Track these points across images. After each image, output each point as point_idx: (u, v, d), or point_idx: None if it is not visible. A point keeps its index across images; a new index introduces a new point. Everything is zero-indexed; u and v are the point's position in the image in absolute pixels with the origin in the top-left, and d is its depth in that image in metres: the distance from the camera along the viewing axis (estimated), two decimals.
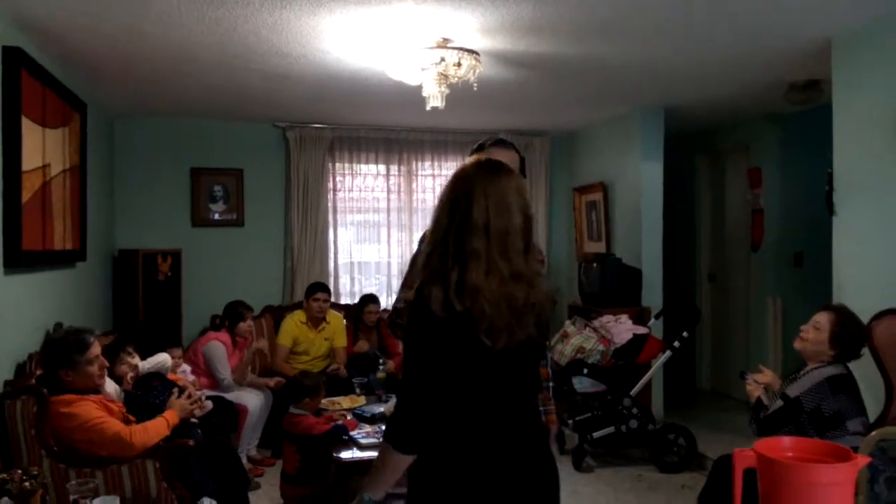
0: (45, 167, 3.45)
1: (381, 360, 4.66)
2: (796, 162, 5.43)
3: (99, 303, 4.82)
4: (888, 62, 3.25)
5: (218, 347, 4.52)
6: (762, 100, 4.96)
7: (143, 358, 3.65)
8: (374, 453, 3.14)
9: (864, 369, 2.91)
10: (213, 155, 5.72)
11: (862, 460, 1.30)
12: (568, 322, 4.87)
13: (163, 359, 3.76)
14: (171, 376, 3.72)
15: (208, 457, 3.29)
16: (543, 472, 1.59)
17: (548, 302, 1.56)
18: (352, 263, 6.16)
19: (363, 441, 3.34)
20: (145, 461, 2.73)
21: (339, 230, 6.04)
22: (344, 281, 6.12)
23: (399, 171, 6.13)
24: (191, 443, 3.00)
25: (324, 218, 5.90)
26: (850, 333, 2.74)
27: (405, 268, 2.89)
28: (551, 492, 1.61)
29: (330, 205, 5.97)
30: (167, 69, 4.06)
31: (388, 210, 6.14)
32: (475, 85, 3.64)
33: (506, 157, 2.15)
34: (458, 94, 3.82)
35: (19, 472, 2.21)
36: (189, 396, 3.29)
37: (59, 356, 2.81)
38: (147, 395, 3.34)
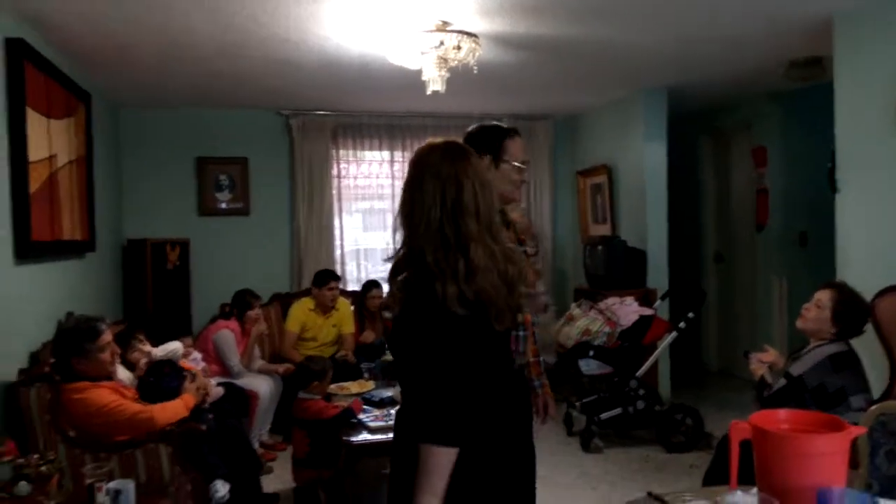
0: (51, 158, 3.49)
1: (387, 346, 4.71)
2: (800, 140, 5.41)
3: (109, 292, 4.88)
4: (890, 39, 3.24)
5: (227, 335, 4.58)
6: (764, 78, 4.93)
7: (154, 346, 3.70)
8: (382, 436, 3.19)
9: (867, 346, 2.93)
10: (219, 144, 5.75)
11: (855, 430, 1.33)
12: (574, 305, 4.90)
13: (174, 347, 3.80)
14: (182, 363, 3.77)
15: (220, 441, 3.34)
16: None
17: (527, 277, 1.59)
18: (358, 250, 6.19)
19: (372, 424, 3.38)
20: (159, 445, 2.79)
21: (345, 217, 6.07)
22: (350, 268, 6.16)
23: (403, 157, 6.13)
24: (203, 427, 3.05)
25: (329, 205, 5.93)
26: (852, 310, 2.75)
27: None
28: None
29: (335, 192, 5.99)
30: (168, 58, 4.08)
31: (393, 196, 6.16)
32: (475, 68, 3.64)
33: (521, 145, 2.28)
34: (460, 78, 3.82)
35: (36, 456, 2.27)
36: (193, 381, 3.33)
37: (70, 345, 2.86)
38: (160, 382, 3.39)
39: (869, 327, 2.87)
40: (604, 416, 4.49)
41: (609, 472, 4.13)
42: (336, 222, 6.01)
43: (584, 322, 4.55)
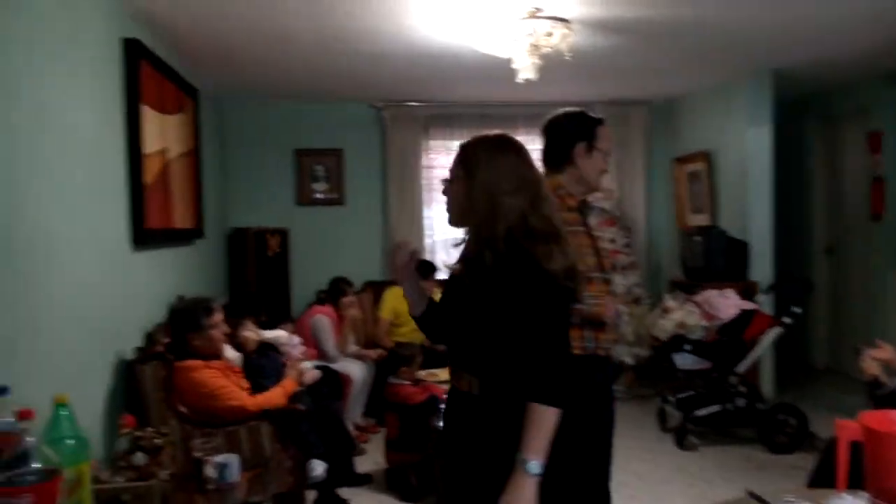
0: (163, 151, 3.71)
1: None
2: None
3: (215, 278, 5.15)
4: None
5: (324, 321, 4.74)
6: (884, 60, 4.58)
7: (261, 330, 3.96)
8: None
9: None
10: (315, 136, 5.93)
11: None
12: (668, 296, 4.75)
13: (280, 334, 4.11)
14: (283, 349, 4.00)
15: (317, 422, 3.48)
16: None
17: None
18: (448, 240, 6.24)
19: None
20: (260, 424, 2.93)
21: (435, 207, 6.13)
22: (441, 257, 6.22)
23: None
24: (301, 408, 3.18)
25: (420, 195, 6.01)
26: None
27: None
28: None
29: (425, 182, 6.06)
30: (269, 53, 4.25)
31: None
32: (568, 55, 3.58)
33: (609, 134, 2.34)
34: (552, 65, 3.77)
35: (151, 430, 2.43)
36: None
37: (187, 320, 3.07)
38: (265, 363, 3.58)
39: None
40: (700, 412, 4.34)
41: (706, 470, 4.00)
42: (427, 212, 6.08)
43: (680, 315, 4.40)
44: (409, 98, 5.81)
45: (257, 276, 5.34)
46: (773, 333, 4.41)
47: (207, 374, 2.97)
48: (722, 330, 4.29)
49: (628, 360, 5.06)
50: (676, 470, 4.00)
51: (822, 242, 6.18)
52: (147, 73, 3.41)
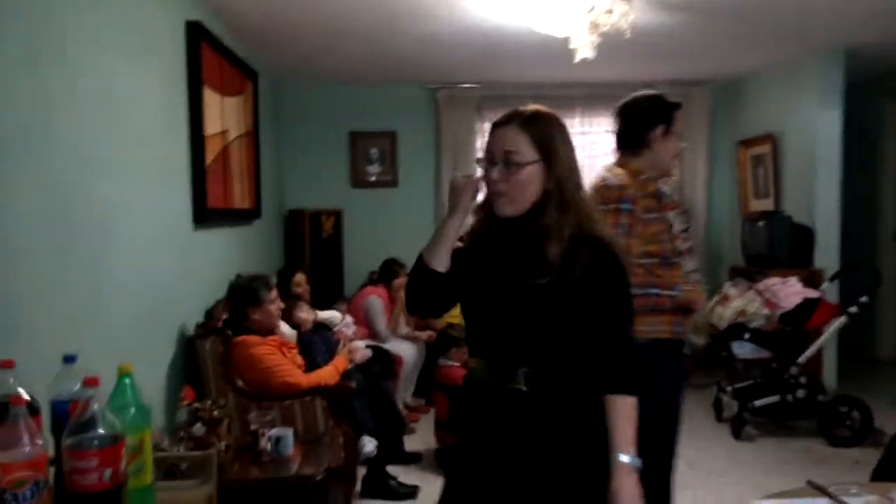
0: (224, 132, 3.79)
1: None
2: None
3: (272, 257, 5.27)
4: None
5: (376, 301, 4.80)
6: None
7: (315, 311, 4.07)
8: None
9: None
10: (369, 118, 5.97)
11: None
12: (728, 284, 4.62)
13: (333, 314, 4.25)
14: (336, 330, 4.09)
15: (369, 400, 3.54)
16: None
17: None
18: None
19: None
20: (314, 399, 2.99)
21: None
22: None
23: None
24: (353, 385, 3.24)
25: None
26: None
27: None
28: None
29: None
30: (327, 36, 4.28)
31: None
32: (628, 33, 3.48)
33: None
34: (610, 44, 3.67)
35: (209, 402, 2.51)
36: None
37: (248, 294, 3.17)
38: (316, 340, 3.66)
39: None
40: (758, 403, 4.22)
41: (762, 462, 3.89)
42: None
43: (741, 302, 4.28)
44: (463, 79, 5.78)
45: (312, 256, 5.43)
46: (838, 324, 4.24)
47: (264, 351, 3.05)
48: (783, 319, 4.15)
49: (700, 343, 4.99)
50: (732, 461, 3.91)
51: (890, 230, 5.90)
52: (208, 56, 3.48)
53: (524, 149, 1.51)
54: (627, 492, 1.44)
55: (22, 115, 1.91)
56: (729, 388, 4.46)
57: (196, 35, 3.33)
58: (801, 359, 4.24)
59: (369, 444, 3.35)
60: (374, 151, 6.03)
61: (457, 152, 5.94)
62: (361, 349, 3.87)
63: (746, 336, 4.20)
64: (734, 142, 6.00)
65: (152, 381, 2.78)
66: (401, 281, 4.96)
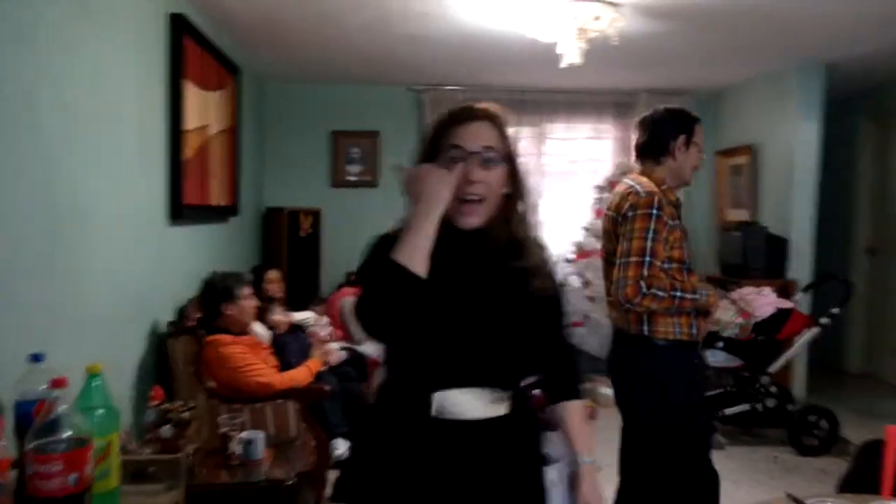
0: (204, 128, 3.74)
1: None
2: None
3: (249, 255, 5.21)
4: None
5: (351, 302, 4.76)
6: None
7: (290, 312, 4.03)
8: None
9: None
10: (352, 118, 5.93)
11: None
12: None
13: (308, 315, 4.23)
14: (310, 331, 4.05)
15: (341, 403, 3.51)
16: None
17: None
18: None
19: None
20: (287, 402, 2.96)
21: None
22: None
23: (533, 132, 6.04)
24: (326, 388, 3.21)
25: None
26: None
27: None
28: None
29: None
30: (313, 34, 4.24)
31: None
32: (615, 39, 3.49)
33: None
34: (595, 51, 3.69)
35: (179, 403, 2.47)
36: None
37: (221, 290, 3.13)
38: (290, 341, 3.62)
39: None
40: (728, 411, 4.26)
41: (733, 471, 3.93)
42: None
43: (715, 312, 4.31)
44: (449, 82, 5.77)
45: (289, 255, 5.39)
46: (810, 334, 4.30)
47: (235, 350, 3.01)
48: (757, 328, 4.18)
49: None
50: None
51: (863, 242, 6.01)
52: (191, 49, 3.44)
53: (498, 147, 1.38)
54: (596, 492, 1.47)
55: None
56: None
57: (179, 28, 3.28)
58: (772, 368, 4.29)
59: (342, 447, 3.33)
60: (355, 151, 6.00)
61: None
62: (336, 351, 3.84)
63: (720, 345, 4.24)
64: (713, 152, 6.06)
65: (122, 379, 2.73)
66: None
